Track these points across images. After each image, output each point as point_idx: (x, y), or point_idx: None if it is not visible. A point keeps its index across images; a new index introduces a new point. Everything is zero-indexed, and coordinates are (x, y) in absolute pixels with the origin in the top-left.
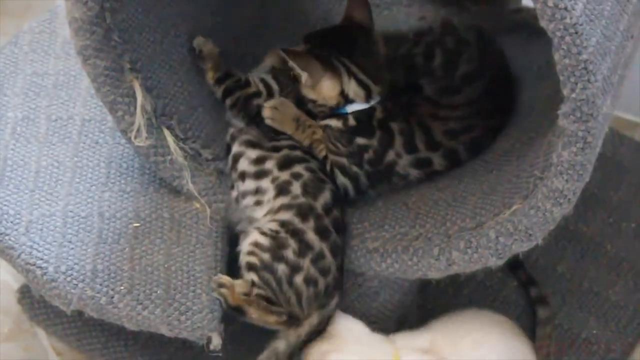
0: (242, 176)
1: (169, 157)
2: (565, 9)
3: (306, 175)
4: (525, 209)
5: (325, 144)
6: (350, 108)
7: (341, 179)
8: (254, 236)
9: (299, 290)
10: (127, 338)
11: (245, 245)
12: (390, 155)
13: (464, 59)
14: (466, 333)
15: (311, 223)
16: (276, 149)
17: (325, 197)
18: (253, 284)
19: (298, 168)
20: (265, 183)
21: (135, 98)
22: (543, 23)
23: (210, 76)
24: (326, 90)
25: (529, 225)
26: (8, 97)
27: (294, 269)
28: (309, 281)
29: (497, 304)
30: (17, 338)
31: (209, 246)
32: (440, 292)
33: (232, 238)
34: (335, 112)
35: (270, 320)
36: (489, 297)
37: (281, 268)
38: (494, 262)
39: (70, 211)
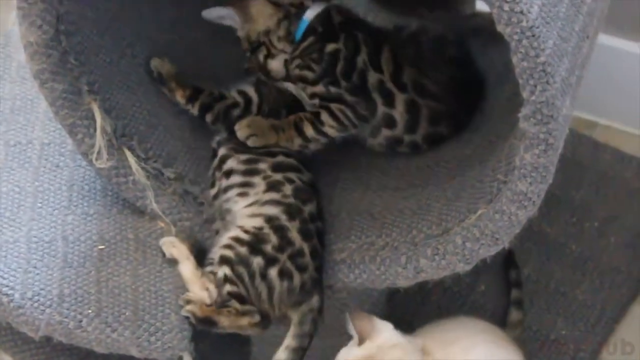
0: (228, 173)
1: (131, 178)
2: (521, 12)
3: (298, 182)
4: (490, 213)
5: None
6: (308, 14)
7: (331, 119)
8: (236, 232)
9: (271, 283)
10: None
11: (223, 239)
12: (360, 63)
13: (449, 49)
14: (456, 339)
15: (296, 223)
16: (270, 154)
17: (312, 207)
18: (225, 278)
19: (291, 175)
20: (256, 179)
21: (94, 120)
22: (500, 27)
23: (179, 95)
24: (259, 9)
25: (495, 229)
26: None
27: (270, 261)
28: (284, 275)
29: (465, 309)
30: None
31: (176, 266)
32: (409, 300)
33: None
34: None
35: (242, 324)
36: (457, 302)
37: (257, 261)
38: (462, 267)
39: (34, 236)
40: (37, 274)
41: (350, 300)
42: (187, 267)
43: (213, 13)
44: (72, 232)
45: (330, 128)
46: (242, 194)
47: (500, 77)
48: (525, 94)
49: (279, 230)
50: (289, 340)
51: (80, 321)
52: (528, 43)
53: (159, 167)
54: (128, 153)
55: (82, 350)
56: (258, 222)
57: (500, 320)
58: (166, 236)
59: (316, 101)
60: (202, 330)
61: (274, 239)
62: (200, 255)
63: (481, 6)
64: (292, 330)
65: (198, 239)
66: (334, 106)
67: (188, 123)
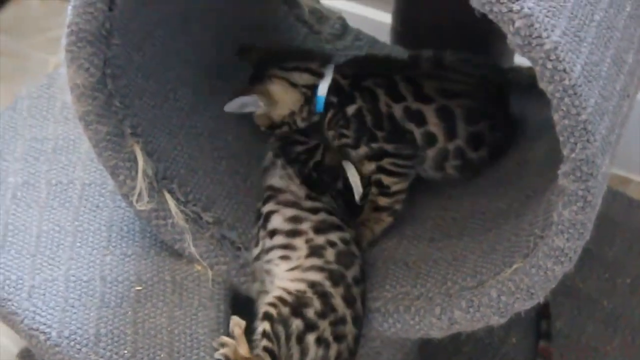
0: (272, 233)
1: (170, 221)
2: (564, 70)
3: (340, 245)
4: (526, 267)
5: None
6: (321, 90)
7: (391, 177)
8: (279, 292)
9: (306, 349)
10: None
11: (269, 297)
12: (383, 107)
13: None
14: None
15: (341, 289)
16: (314, 211)
17: (355, 270)
18: (264, 333)
19: (333, 236)
20: (299, 242)
21: (136, 162)
22: (542, 84)
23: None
24: (280, 93)
25: (531, 283)
26: (8, 163)
27: (310, 327)
28: (321, 343)
29: None
30: None
31: (212, 309)
32: (440, 350)
33: (233, 301)
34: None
35: None
36: (488, 354)
37: (296, 323)
38: (497, 320)
39: (72, 275)
40: (75, 312)
41: (384, 349)
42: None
43: (236, 104)
44: (110, 272)
45: (396, 185)
46: (284, 257)
47: (536, 132)
48: (565, 152)
49: (323, 296)
50: None
51: None
52: (570, 101)
53: (198, 210)
54: (168, 196)
55: None
56: (301, 286)
57: None
58: (203, 279)
59: (372, 167)
60: None
61: (317, 304)
62: (235, 301)
63: (519, 61)
64: None
65: (234, 284)
66: (385, 164)
67: (228, 168)
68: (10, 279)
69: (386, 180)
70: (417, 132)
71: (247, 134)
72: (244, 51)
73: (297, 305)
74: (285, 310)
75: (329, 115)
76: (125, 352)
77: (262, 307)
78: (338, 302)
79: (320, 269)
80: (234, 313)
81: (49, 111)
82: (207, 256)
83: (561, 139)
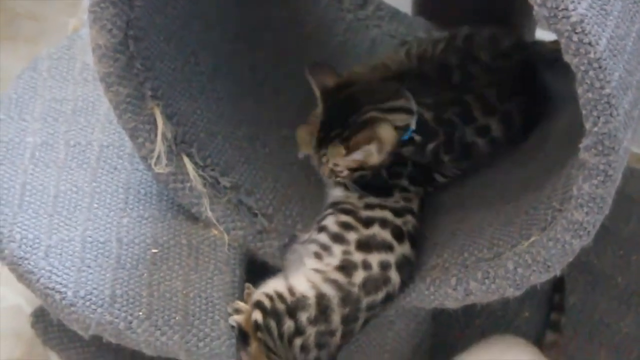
0: (321, 229)
1: (188, 184)
2: (590, 43)
3: (374, 270)
4: (544, 240)
5: None
6: (413, 122)
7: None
8: (282, 288)
9: (294, 352)
10: None
11: (268, 287)
12: (457, 137)
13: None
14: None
15: (346, 310)
16: (367, 223)
17: (377, 297)
18: (256, 324)
19: (373, 258)
20: (337, 249)
21: (155, 125)
22: (567, 57)
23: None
24: (389, 138)
25: (548, 256)
26: (27, 123)
27: (299, 331)
28: (304, 348)
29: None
30: None
31: (227, 273)
32: (452, 322)
33: (249, 266)
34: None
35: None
36: (501, 327)
37: (288, 324)
38: (512, 292)
39: (89, 236)
40: (91, 273)
41: (397, 319)
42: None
43: (359, 155)
44: (126, 234)
45: (443, 180)
46: (317, 255)
47: (557, 105)
48: (588, 125)
49: (324, 310)
50: None
51: (131, 322)
52: (594, 74)
53: (216, 175)
54: (186, 160)
55: (127, 352)
56: (310, 292)
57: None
58: (219, 243)
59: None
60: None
61: (313, 313)
62: (250, 265)
63: (541, 35)
64: None
65: (250, 249)
66: (443, 169)
67: (247, 133)
68: (27, 238)
69: (439, 180)
70: (481, 142)
71: (268, 99)
72: (314, 71)
73: (294, 308)
74: (281, 308)
75: (409, 150)
76: (140, 313)
77: (257, 294)
78: (335, 318)
79: (339, 287)
80: (249, 278)
81: (69, 72)
82: (223, 221)
83: (584, 112)
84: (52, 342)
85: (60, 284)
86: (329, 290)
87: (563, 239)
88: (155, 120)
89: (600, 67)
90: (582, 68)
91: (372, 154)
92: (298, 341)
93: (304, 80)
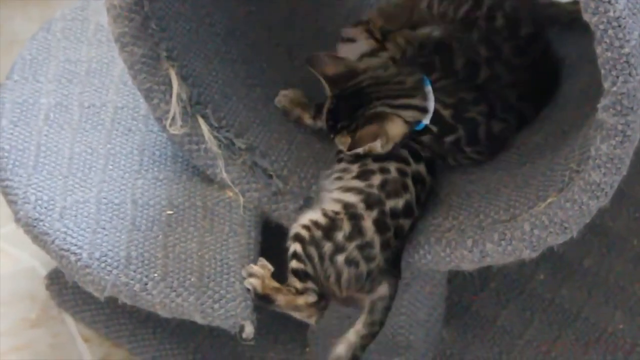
0: (340, 160)
1: (203, 146)
2: (609, 2)
3: (393, 174)
4: (561, 201)
5: None
6: (426, 119)
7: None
8: (316, 215)
9: (339, 269)
10: (156, 325)
11: (304, 218)
12: (482, 132)
13: (524, 22)
14: None
15: (374, 213)
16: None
17: (397, 203)
18: (294, 254)
19: (390, 165)
20: (354, 167)
21: (170, 86)
22: (586, 16)
23: (306, 117)
24: (396, 131)
25: (565, 218)
26: (41, 84)
27: (338, 249)
28: (350, 262)
29: (523, 297)
30: (44, 324)
31: (242, 235)
32: (467, 284)
33: (264, 228)
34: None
35: (299, 303)
36: (515, 290)
37: (327, 246)
38: (528, 254)
39: (104, 198)
40: (106, 235)
41: (413, 281)
42: None
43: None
44: (141, 196)
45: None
46: (339, 178)
47: (574, 67)
48: (606, 85)
49: (353, 218)
50: (359, 327)
51: (146, 284)
52: (613, 33)
53: (230, 136)
54: (201, 121)
55: (141, 314)
56: (337, 207)
57: (557, 310)
58: (234, 205)
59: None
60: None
61: (346, 227)
62: (265, 227)
63: None
64: (363, 318)
65: (266, 211)
66: (459, 157)
67: (262, 95)
68: (42, 200)
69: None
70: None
71: (283, 61)
72: (314, 61)
73: (329, 229)
74: (318, 234)
75: (425, 139)
76: (156, 275)
77: (295, 228)
78: (368, 225)
79: (359, 191)
80: (264, 240)
81: (83, 33)
82: (238, 182)
83: (603, 72)
84: (66, 304)
85: (75, 245)
86: (351, 198)
87: (580, 200)
88: (170, 81)
89: (619, 26)
90: (601, 27)
91: (376, 149)
92: (340, 258)
93: (319, 42)
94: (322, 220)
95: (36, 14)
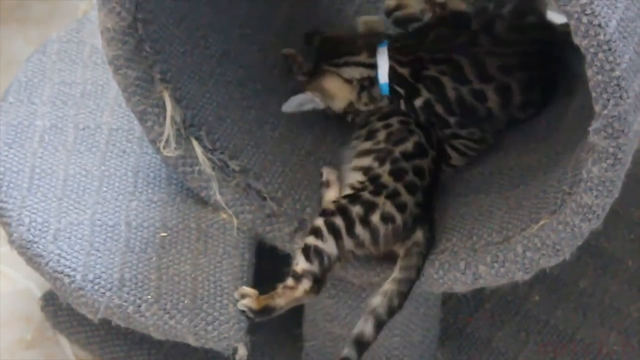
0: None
1: (197, 168)
2: (599, 25)
3: (395, 126)
4: (553, 224)
5: None
6: (382, 78)
7: (456, 153)
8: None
9: (375, 228)
10: (150, 347)
11: (329, 197)
12: (451, 94)
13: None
14: None
15: (387, 166)
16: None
17: (407, 147)
18: (314, 231)
19: (392, 120)
20: (363, 131)
21: (164, 108)
22: (577, 39)
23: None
24: (334, 88)
25: (557, 240)
26: (36, 106)
27: (370, 207)
28: (386, 219)
29: (518, 318)
30: (39, 345)
31: (236, 257)
32: (462, 306)
33: (259, 250)
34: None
35: (298, 295)
36: (511, 311)
37: (356, 210)
38: (521, 276)
39: (98, 220)
40: (100, 257)
41: (407, 303)
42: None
43: (292, 103)
44: (135, 217)
45: (456, 160)
46: (353, 147)
47: (567, 88)
48: (597, 108)
49: (375, 178)
50: (396, 273)
51: (140, 306)
52: (604, 57)
53: (224, 158)
54: (195, 143)
55: (136, 335)
56: (359, 175)
57: (552, 331)
58: (228, 227)
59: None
60: (259, 322)
61: (370, 187)
62: (260, 249)
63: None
64: (399, 263)
65: (259, 233)
66: (456, 144)
67: (256, 117)
68: (36, 222)
69: (453, 156)
70: (480, 107)
71: (277, 84)
72: (310, 37)
73: (355, 197)
74: (344, 201)
75: (402, 106)
76: (149, 297)
77: (322, 205)
78: (386, 178)
79: (369, 151)
80: (258, 262)
81: (78, 55)
82: (232, 204)
83: (594, 94)
84: (61, 325)
85: (69, 267)
86: (365, 161)
87: (572, 223)
88: (164, 103)
89: (610, 49)
90: (592, 50)
91: (318, 103)
92: (375, 217)
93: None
94: (348, 191)
95: (35, 36)
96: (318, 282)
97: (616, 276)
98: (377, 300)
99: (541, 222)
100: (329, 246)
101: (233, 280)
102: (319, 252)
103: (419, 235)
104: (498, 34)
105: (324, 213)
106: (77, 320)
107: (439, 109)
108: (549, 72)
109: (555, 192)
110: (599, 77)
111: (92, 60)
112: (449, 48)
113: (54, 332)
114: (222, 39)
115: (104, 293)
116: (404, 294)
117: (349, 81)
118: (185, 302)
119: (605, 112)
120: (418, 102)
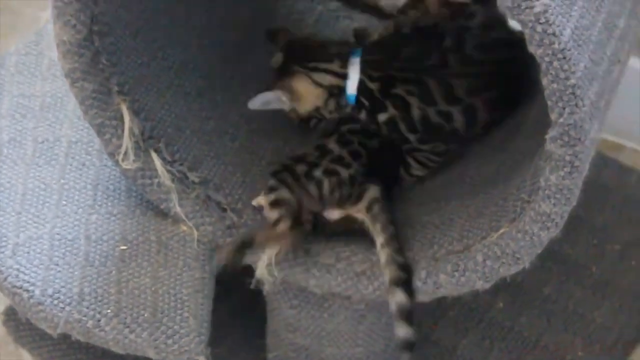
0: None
1: (157, 180)
2: (554, 34)
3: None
4: (513, 232)
5: None
6: (350, 89)
7: (416, 164)
8: None
9: (319, 179)
10: None
11: None
12: (416, 114)
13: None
14: None
15: (334, 136)
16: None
17: (354, 126)
18: (270, 188)
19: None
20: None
21: (122, 121)
22: (531, 48)
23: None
24: (304, 90)
25: (517, 248)
26: None
27: (312, 165)
28: (329, 172)
29: (482, 326)
30: None
31: (197, 269)
32: (426, 314)
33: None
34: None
35: (278, 232)
36: (475, 319)
37: (300, 167)
38: (481, 285)
39: (57, 234)
40: (59, 271)
41: (368, 312)
42: None
43: (259, 101)
44: (95, 231)
45: (417, 170)
46: None
47: (527, 97)
48: (553, 116)
49: (319, 147)
50: (379, 239)
51: (99, 320)
52: (559, 65)
53: (184, 170)
54: (154, 155)
55: (98, 349)
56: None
57: (517, 338)
58: (188, 239)
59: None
60: (220, 334)
61: (315, 153)
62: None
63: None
64: (371, 229)
65: (220, 245)
66: (417, 155)
67: (216, 128)
68: None
69: (411, 162)
70: (446, 126)
71: (237, 94)
72: (272, 35)
73: (299, 157)
74: (288, 162)
75: (363, 116)
76: (109, 311)
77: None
78: (332, 146)
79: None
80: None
81: (37, 68)
82: (192, 216)
83: (549, 103)
84: (23, 340)
85: (28, 282)
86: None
87: (531, 231)
88: (122, 116)
89: (564, 58)
90: (547, 59)
91: (285, 103)
92: (317, 171)
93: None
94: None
95: None
96: (295, 223)
97: (580, 282)
98: (388, 271)
99: (501, 231)
100: (285, 193)
101: (193, 292)
102: (279, 200)
103: (373, 191)
104: (467, 53)
105: (273, 173)
106: (39, 335)
107: (401, 127)
108: (513, 90)
109: (514, 201)
110: (554, 85)
111: (51, 72)
112: (419, 69)
113: (15, 346)
114: (180, 50)
115: (64, 308)
116: (399, 251)
117: (319, 85)
118: (145, 315)
119: (561, 120)
120: (382, 117)
